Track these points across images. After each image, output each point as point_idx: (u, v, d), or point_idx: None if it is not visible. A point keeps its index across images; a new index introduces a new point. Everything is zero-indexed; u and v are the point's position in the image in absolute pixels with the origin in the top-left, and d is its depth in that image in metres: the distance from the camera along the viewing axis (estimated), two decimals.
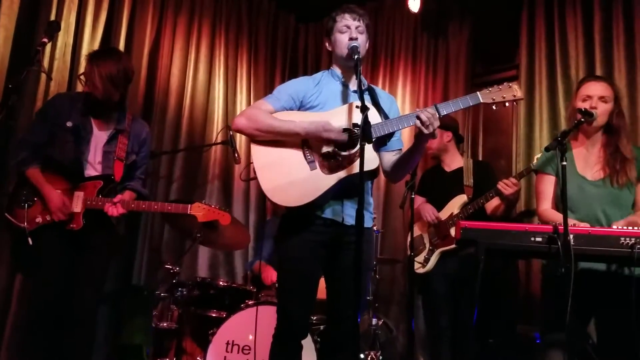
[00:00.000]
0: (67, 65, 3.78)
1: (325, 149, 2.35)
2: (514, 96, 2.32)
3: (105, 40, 4.02)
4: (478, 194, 3.66)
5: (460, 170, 3.88)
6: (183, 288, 3.57)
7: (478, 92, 2.31)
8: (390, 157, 2.50)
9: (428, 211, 3.75)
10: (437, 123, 2.20)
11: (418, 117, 2.19)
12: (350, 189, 2.33)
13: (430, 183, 3.99)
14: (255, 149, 2.41)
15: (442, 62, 4.79)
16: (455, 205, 3.72)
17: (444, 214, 3.73)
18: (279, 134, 2.37)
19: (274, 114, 2.42)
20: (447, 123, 3.81)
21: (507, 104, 2.32)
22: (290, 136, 2.36)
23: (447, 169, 3.95)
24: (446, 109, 2.27)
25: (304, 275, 2.39)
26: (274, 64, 5.41)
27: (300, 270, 2.38)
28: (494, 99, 2.30)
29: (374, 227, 3.63)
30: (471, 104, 2.30)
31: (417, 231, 3.88)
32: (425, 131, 2.19)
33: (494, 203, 3.59)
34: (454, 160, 3.94)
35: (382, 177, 3.67)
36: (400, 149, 2.55)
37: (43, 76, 3.58)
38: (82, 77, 2.98)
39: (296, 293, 2.39)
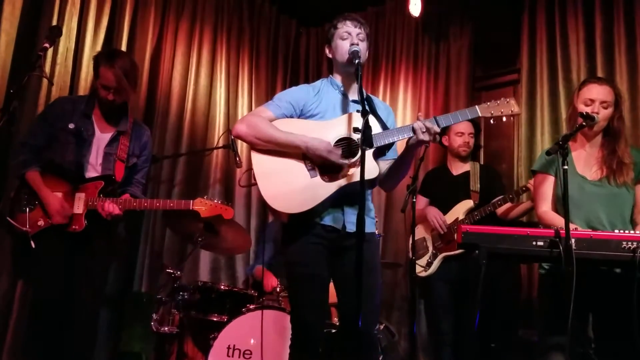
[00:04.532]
0: (68, 70, 3.79)
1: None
2: (511, 111, 2.38)
3: (106, 45, 4.02)
4: (484, 199, 3.66)
5: (466, 174, 3.88)
6: (184, 292, 3.56)
7: (477, 106, 2.37)
8: (384, 165, 2.51)
9: (436, 217, 3.73)
10: (430, 136, 2.23)
11: (412, 127, 2.25)
12: (350, 196, 2.34)
13: (435, 184, 3.98)
14: (256, 157, 2.43)
15: (444, 66, 4.79)
16: (460, 210, 3.71)
17: (449, 218, 3.72)
18: (279, 145, 2.39)
19: (274, 121, 2.44)
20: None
21: (504, 119, 2.39)
22: (290, 148, 2.38)
23: (454, 171, 3.94)
24: (445, 121, 2.31)
25: (310, 278, 2.39)
26: (275, 68, 5.42)
27: (306, 274, 2.39)
28: (492, 113, 2.37)
29: (376, 231, 3.62)
30: (470, 117, 2.38)
31: (420, 233, 3.86)
32: (421, 137, 2.22)
33: (504, 206, 3.60)
34: (459, 164, 3.94)
35: None
36: (395, 159, 2.55)
37: (44, 81, 3.58)
38: (97, 81, 2.99)
39: (306, 297, 2.39)
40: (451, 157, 4.00)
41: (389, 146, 2.47)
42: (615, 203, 2.67)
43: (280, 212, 2.35)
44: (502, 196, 3.58)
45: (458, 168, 3.95)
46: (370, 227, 2.48)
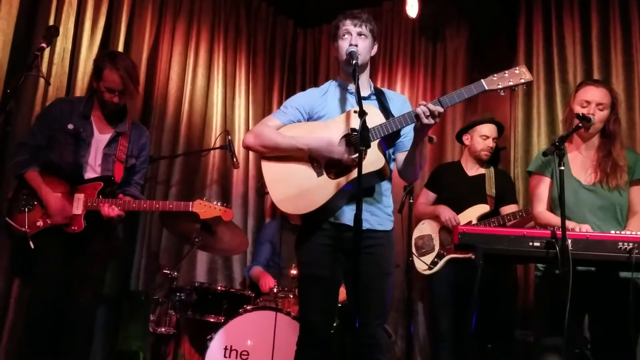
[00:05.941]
0: (65, 71, 3.77)
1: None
2: (522, 79, 2.25)
3: (103, 45, 4.00)
4: (498, 205, 3.64)
5: (481, 177, 3.82)
6: (181, 293, 3.56)
7: (482, 80, 2.26)
8: (403, 156, 2.49)
9: (451, 219, 3.65)
10: (434, 119, 2.20)
11: (416, 112, 2.21)
12: (366, 192, 2.35)
13: (448, 181, 3.91)
14: (265, 165, 2.47)
15: (440, 67, 4.79)
16: (474, 214, 3.68)
17: (462, 220, 3.67)
18: (283, 150, 2.42)
19: (281, 127, 2.47)
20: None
21: (515, 89, 2.26)
22: (294, 151, 2.41)
23: (469, 172, 3.89)
24: (450, 100, 2.25)
25: (314, 279, 2.41)
26: (272, 68, 5.41)
27: (313, 274, 2.41)
28: (499, 85, 2.24)
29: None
30: (476, 93, 2.26)
31: (427, 230, 3.84)
32: (425, 121, 2.19)
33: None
34: (476, 166, 3.89)
35: None
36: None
37: (41, 81, 3.57)
38: (100, 84, 2.97)
39: (312, 297, 2.42)
40: (468, 157, 3.91)
41: (396, 136, 2.45)
42: (609, 208, 2.67)
43: (292, 214, 2.36)
44: (525, 208, 3.54)
45: (473, 169, 3.87)
46: (387, 224, 2.50)
